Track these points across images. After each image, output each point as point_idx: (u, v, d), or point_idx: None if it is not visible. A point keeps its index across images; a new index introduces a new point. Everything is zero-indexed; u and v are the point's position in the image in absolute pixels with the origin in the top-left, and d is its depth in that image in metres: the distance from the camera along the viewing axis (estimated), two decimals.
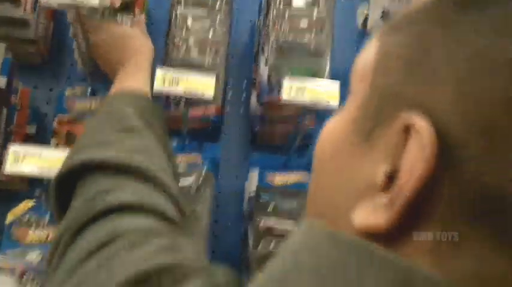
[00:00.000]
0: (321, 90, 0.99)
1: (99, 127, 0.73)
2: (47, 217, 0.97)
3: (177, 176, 0.76)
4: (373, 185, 0.33)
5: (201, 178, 1.09)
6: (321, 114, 1.20)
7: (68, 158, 0.68)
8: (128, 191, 0.59)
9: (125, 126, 0.71)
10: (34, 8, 1.23)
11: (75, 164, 0.62)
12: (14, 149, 0.89)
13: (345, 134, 0.38)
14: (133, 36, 1.00)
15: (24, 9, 1.18)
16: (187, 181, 1.06)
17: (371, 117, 0.36)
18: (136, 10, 1.04)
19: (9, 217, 0.96)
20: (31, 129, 1.23)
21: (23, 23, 1.22)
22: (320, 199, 0.40)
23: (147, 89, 0.90)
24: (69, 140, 1.17)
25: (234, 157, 1.31)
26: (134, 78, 0.90)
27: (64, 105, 1.21)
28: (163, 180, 0.63)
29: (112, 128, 0.71)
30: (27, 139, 1.21)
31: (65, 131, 1.18)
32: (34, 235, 0.95)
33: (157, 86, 0.96)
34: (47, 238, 0.94)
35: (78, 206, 0.58)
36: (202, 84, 0.97)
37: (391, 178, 0.33)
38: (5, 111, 1.11)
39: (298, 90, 0.99)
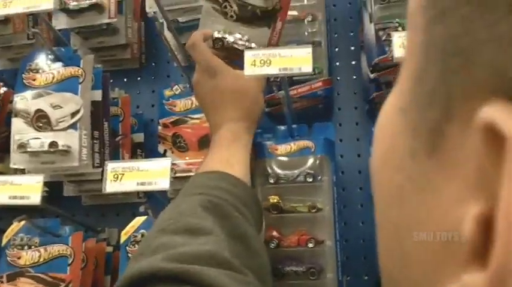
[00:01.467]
0: None
1: (168, 224, 0.64)
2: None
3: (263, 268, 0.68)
4: (456, 241, 0.20)
5: (316, 164, 0.96)
6: None
7: (131, 262, 0.61)
8: None
9: (193, 227, 0.62)
10: (120, 12, 1.18)
11: (134, 275, 0.53)
12: (112, 167, 0.84)
13: (393, 140, 0.26)
14: (248, 91, 0.87)
15: (109, 16, 1.14)
16: (300, 171, 0.94)
17: (431, 105, 0.22)
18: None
19: (123, 237, 0.92)
20: (138, 138, 1.19)
21: (111, 30, 1.19)
22: (386, 264, 0.28)
23: (244, 169, 0.80)
24: (176, 143, 1.11)
25: (353, 132, 1.16)
26: (233, 154, 0.79)
27: (166, 108, 1.15)
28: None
29: (183, 227, 0.62)
30: (136, 148, 1.18)
31: (170, 134, 1.12)
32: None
33: (249, 69, 0.85)
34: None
35: None
36: (297, 59, 0.84)
37: (487, 224, 0.18)
38: (106, 124, 1.07)
39: None
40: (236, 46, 0.90)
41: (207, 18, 0.94)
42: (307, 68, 0.84)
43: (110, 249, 1.05)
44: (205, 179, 0.73)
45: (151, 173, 0.83)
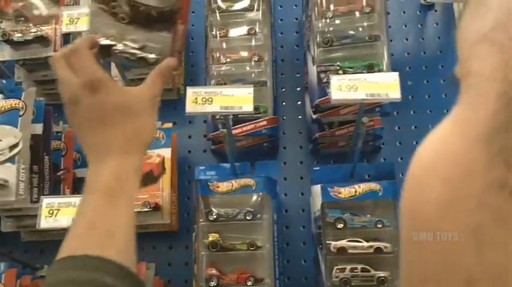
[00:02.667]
0: (377, 83, 0.84)
1: None
2: None
3: None
4: None
5: (258, 201, 0.97)
6: (387, 110, 1.04)
7: None
8: None
9: None
10: (66, 45, 1.17)
11: None
12: (48, 202, 0.82)
13: (468, 176, 0.23)
14: (137, 112, 0.68)
15: (55, 48, 1.13)
16: (241, 208, 0.95)
17: None
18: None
19: None
20: (81, 173, 1.17)
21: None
22: None
23: (127, 238, 0.61)
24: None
25: (297, 171, 1.18)
26: (116, 216, 0.61)
27: None
28: None
29: None
30: (79, 184, 1.16)
31: None
32: None
33: (190, 106, 0.86)
34: None
35: None
36: (239, 98, 0.86)
37: None
38: (46, 158, 1.05)
39: (349, 87, 0.84)
40: (127, 56, 0.77)
41: (97, 21, 0.80)
42: (248, 107, 0.86)
43: None
44: (78, 272, 0.55)
45: None
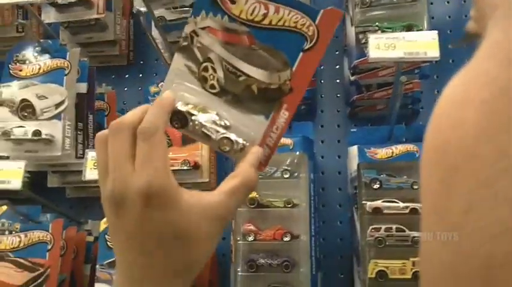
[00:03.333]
0: (416, 41, 0.83)
1: None
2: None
3: None
4: None
5: (294, 161, 0.98)
6: (426, 72, 1.04)
7: None
8: None
9: None
10: (108, 9, 1.20)
11: None
12: (93, 155, 0.86)
13: (503, 89, 0.23)
14: (201, 236, 0.48)
15: (98, 11, 1.16)
16: (278, 167, 0.96)
17: None
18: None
19: (102, 225, 0.94)
20: None
21: (100, 26, 1.21)
22: (464, 261, 0.24)
23: None
24: None
25: (334, 134, 1.19)
26: None
27: (151, 104, 1.16)
28: None
29: None
30: None
31: None
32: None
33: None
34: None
35: None
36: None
37: None
38: (91, 117, 1.09)
39: (387, 45, 0.84)
40: (206, 132, 0.57)
41: (178, 82, 0.59)
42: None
43: (91, 239, 1.06)
44: None
45: None
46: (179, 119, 0.57)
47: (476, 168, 0.24)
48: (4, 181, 0.86)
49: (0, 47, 1.29)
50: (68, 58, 1.04)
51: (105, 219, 0.95)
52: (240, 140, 0.57)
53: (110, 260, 0.91)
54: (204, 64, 0.59)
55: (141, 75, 1.32)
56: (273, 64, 0.57)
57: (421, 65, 1.01)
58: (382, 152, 0.96)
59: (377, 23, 0.99)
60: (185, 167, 1.05)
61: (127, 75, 1.32)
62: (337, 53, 1.24)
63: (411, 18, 1.00)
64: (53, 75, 1.04)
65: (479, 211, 0.23)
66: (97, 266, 0.91)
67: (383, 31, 0.98)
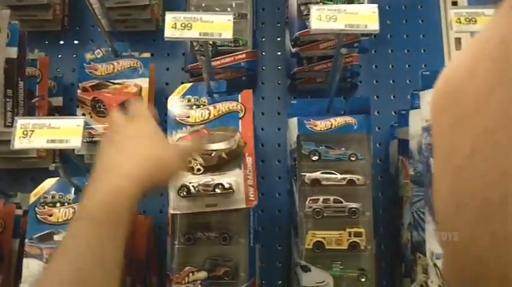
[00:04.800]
0: (357, 14, 0.84)
1: None
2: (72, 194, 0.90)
3: None
4: None
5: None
6: (365, 46, 1.05)
7: None
8: None
9: None
10: None
11: None
12: (22, 123, 0.82)
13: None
14: (166, 157, 0.72)
15: None
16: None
17: None
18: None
19: (32, 198, 0.90)
20: (57, 102, 1.16)
21: None
22: (466, 196, 0.27)
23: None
24: (95, 108, 1.08)
25: (275, 106, 1.19)
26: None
27: (86, 71, 1.12)
28: None
29: None
30: (54, 112, 1.15)
31: (90, 98, 1.09)
32: (59, 214, 0.88)
33: (169, 31, 0.85)
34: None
35: None
36: (218, 25, 0.85)
37: None
38: (21, 84, 1.03)
39: (329, 17, 0.84)
40: (203, 190, 0.87)
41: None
42: (227, 34, 0.85)
43: (20, 212, 1.01)
44: None
45: (63, 131, 0.81)
46: (184, 189, 0.86)
47: (483, 116, 0.26)
48: None
49: None
50: None
51: (35, 191, 0.91)
52: (228, 185, 0.87)
53: (40, 234, 0.88)
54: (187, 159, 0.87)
55: (76, 41, 1.26)
56: (228, 135, 0.90)
57: (360, 38, 1.02)
58: (321, 124, 0.97)
59: None
60: None
61: (61, 41, 1.26)
62: (278, 25, 1.23)
63: None
64: None
65: (480, 156, 0.26)
66: (26, 240, 0.87)
67: (324, 3, 0.98)
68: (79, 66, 1.12)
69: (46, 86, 1.12)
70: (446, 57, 1.20)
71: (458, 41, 1.20)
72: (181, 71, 1.21)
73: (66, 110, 1.17)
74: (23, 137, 0.81)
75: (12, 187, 1.15)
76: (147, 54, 1.13)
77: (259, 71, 1.19)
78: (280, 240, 1.11)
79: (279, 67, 1.21)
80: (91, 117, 1.08)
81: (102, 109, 1.05)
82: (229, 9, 1.10)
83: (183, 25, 0.85)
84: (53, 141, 0.80)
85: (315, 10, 0.84)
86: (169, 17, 0.85)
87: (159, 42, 1.20)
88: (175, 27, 0.85)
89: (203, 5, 1.10)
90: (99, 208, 0.60)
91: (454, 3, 1.23)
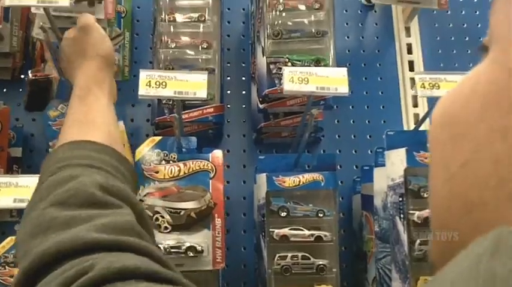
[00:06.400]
0: (328, 77, 0.87)
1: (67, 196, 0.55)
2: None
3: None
4: None
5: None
6: (330, 103, 1.08)
7: (25, 243, 0.52)
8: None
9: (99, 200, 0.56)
10: (5, 19, 1.12)
11: (56, 250, 0.46)
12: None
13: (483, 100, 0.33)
14: (108, 46, 0.93)
15: None
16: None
17: None
18: None
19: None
20: (16, 152, 1.12)
21: None
22: (457, 198, 0.34)
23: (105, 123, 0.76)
24: None
25: (240, 159, 1.20)
26: (97, 98, 0.81)
27: (54, 129, 1.09)
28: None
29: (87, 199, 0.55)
30: (12, 163, 1.11)
31: None
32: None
33: (142, 89, 0.85)
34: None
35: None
36: (193, 84, 0.86)
37: None
38: None
39: (301, 79, 0.87)
40: (173, 252, 0.87)
41: None
42: (202, 93, 0.86)
43: None
44: (90, 152, 0.66)
45: (30, 190, 0.78)
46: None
47: (473, 137, 0.33)
48: None
49: None
50: None
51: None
52: (200, 248, 0.87)
53: None
54: (155, 216, 0.89)
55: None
56: (197, 195, 0.90)
57: (326, 97, 1.06)
58: (289, 180, 0.98)
59: (287, 55, 1.02)
60: None
61: (20, 90, 1.22)
62: (243, 78, 1.25)
63: (319, 52, 1.04)
64: None
65: (471, 167, 0.33)
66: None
67: (293, 63, 1.01)
68: (44, 125, 1.09)
69: (6, 136, 1.08)
70: (404, 114, 1.26)
71: (414, 98, 1.26)
72: (145, 123, 1.20)
73: (26, 162, 1.13)
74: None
75: None
76: None
77: (225, 123, 1.20)
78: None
79: (244, 120, 1.23)
80: None
81: None
82: (197, 63, 1.11)
83: (157, 83, 0.86)
84: (21, 201, 0.78)
85: (287, 72, 0.87)
86: (144, 75, 0.86)
87: (124, 92, 1.19)
88: (149, 85, 0.86)
89: (169, 58, 1.11)
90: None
91: (411, 63, 1.30)
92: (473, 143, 0.33)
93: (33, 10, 0.99)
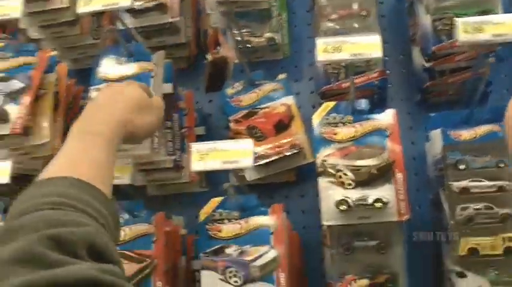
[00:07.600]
0: (504, 23, 0.86)
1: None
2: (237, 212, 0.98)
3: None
4: None
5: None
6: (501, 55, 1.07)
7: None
8: None
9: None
10: (180, 13, 1.24)
11: None
12: (197, 148, 0.90)
13: None
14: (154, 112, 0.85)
15: (172, 15, 1.21)
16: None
17: None
18: None
19: (202, 216, 0.97)
20: (200, 131, 1.26)
21: (172, 29, 1.25)
22: None
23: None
24: (252, 134, 1.15)
25: (406, 121, 1.22)
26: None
27: (232, 105, 1.21)
28: None
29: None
30: (198, 141, 1.24)
31: (244, 127, 1.17)
32: (228, 229, 0.96)
33: (321, 55, 0.91)
34: (240, 230, 0.95)
35: None
36: (367, 45, 0.90)
37: None
38: (176, 116, 1.14)
39: (475, 29, 0.87)
40: (361, 204, 0.92)
41: (326, 193, 0.94)
42: (377, 53, 0.90)
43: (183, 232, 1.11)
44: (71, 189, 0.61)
45: (234, 153, 0.89)
46: (344, 203, 0.92)
47: None
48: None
49: (75, 55, 1.35)
50: (153, 61, 1.08)
51: (203, 210, 0.98)
52: (386, 199, 0.92)
53: (213, 248, 0.95)
54: (338, 174, 0.94)
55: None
56: (376, 152, 0.96)
57: (495, 48, 1.04)
58: (466, 133, 0.99)
59: (453, 11, 1.03)
60: (295, 151, 1.11)
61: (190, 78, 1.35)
62: (400, 44, 1.27)
63: (486, 3, 1.03)
64: (139, 78, 1.07)
65: None
66: (201, 254, 0.94)
67: (458, 17, 1.01)
68: (223, 102, 1.21)
69: (193, 117, 1.22)
70: None
71: None
72: (309, 95, 1.27)
73: (209, 139, 1.26)
74: (199, 160, 0.89)
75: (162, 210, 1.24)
76: (283, 76, 1.21)
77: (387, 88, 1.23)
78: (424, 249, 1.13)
79: (405, 83, 1.25)
80: None
81: (258, 134, 1.13)
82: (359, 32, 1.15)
83: (333, 48, 0.92)
84: (226, 162, 0.88)
85: (460, 23, 0.88)
86: (321, 42, 0.92)
87: (287, 69, 1.28)
88: (326, 51, 0.92)
89: (331, 29, 1.16)
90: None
91: None
92: None
93: None
